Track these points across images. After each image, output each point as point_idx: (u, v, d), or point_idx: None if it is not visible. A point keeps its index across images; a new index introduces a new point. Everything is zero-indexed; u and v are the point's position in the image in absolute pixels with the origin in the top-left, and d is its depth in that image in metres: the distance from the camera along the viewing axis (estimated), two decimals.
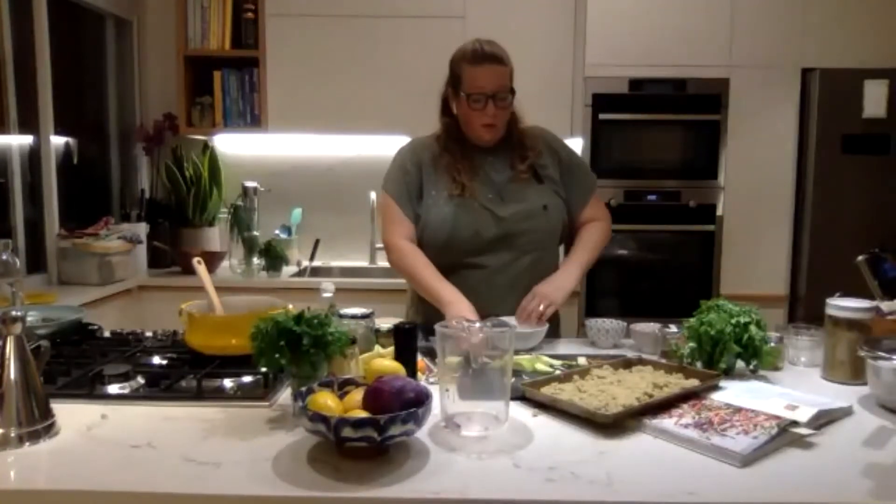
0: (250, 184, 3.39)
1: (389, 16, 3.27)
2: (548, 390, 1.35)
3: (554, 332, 1.91)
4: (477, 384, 1.20)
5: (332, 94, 3.31)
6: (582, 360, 1.59)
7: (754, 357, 1.49)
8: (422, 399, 1.11)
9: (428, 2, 3.25)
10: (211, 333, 1.51)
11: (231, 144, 3.60)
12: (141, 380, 1.43)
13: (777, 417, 1.20)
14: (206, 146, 3.52)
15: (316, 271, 3.42)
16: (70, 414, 1.23)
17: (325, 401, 1.11)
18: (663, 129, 3.14)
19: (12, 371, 1.15)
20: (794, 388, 1.40)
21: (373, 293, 2.97)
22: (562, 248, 2.03)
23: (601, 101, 3.10)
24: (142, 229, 3.23)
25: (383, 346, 1.56)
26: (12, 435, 1.12)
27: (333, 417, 1.04)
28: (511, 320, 1.70)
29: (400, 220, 1.89)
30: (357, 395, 1.14)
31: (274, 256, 3.23)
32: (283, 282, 3.17)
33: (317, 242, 3.47)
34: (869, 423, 1.26)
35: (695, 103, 3.09)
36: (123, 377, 1.40)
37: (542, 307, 1.72)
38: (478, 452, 1.12)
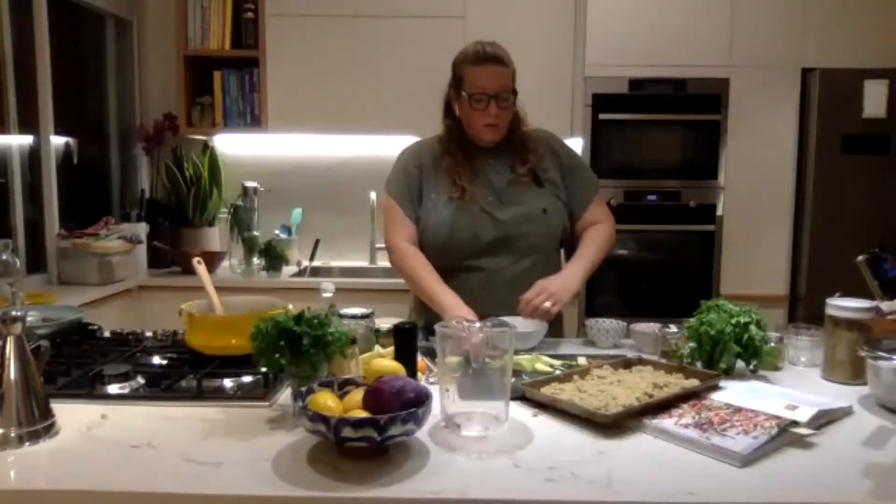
0: (250, 184, 3.39)
1: (389, 16, 3.27)
2: (548, 390, 1.35)
3: (557, 332, 1.91)
4: (477, 384, 1.20)
5: (332, 94, 3.31)
6: (582, 360, 1.59)
7: (754, 357, 1.49)
8: (422, 399, 1.11)
9: (428, 2, 3.25)
10: (211, 333, 1.51)
11: (231, 144, 3.60)
12: (141, 380, 1.42)
13: (777, 417, 1.20)
14: (206, 146, 3.52)
15: (316, 271, 3.42)
16: (70, 414, 1.23)
17: (325, 401, 1.11)
18: (663, 129, 3.14)
19: (12, 371, 1.15)
20: (794, 388, 1.40)
21: (373, 293, 2.97)
22: (562, 252, 2.03)
23: (601, 101, 3.10)
24: (142, 229, 3.23)
25: (383, 346, 1.56)
26: (12, 435, 1.12)
27: (333, 417, 1.04)
28: (511, 320, 1.70)
29: (402, 222, 1.89)
30: (357, 395, 1.14)
31: (274, 256, 3.23)
32: (283, 282, 3.17)
33: (317, 242, 3.47)
34: (869, 423, 1.26)
35: (695, 103, 3.09)
36: (123, 377, 1.40)
37: (548, 304, 1.71)
38: (478, 452, 1.11)
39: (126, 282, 3.00)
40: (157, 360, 1.59)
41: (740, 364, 1.51)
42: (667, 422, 1.20)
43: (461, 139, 1.90)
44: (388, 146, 3.14)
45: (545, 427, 1.23)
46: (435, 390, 1.20)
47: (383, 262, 3.47)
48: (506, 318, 1.58)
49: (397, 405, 1.08)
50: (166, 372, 1.48)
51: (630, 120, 3.11)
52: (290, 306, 1.40)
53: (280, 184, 3.54)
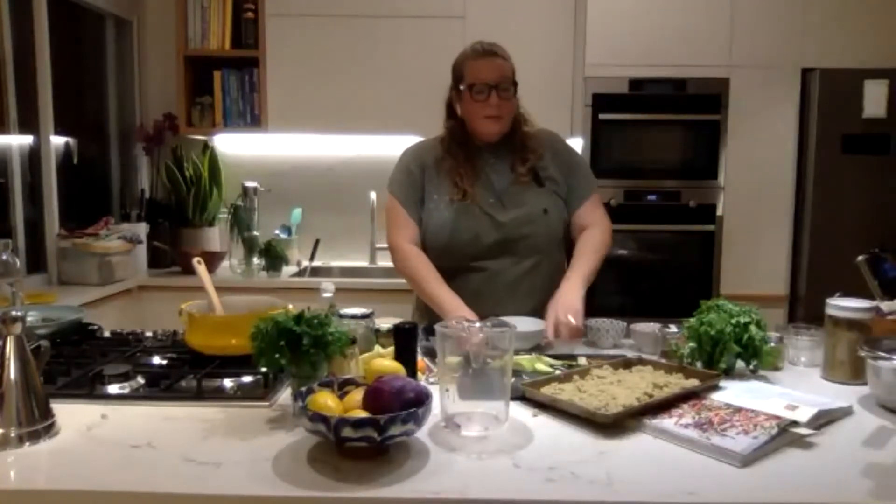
0: (250, 184, 3.39)
1: (389, 16, 3.27)
2: (548, 390, 1.35)
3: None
4: (477, 384, 1.20)
5: (332, 94, 3.31)
6: (582, 360, 1.59)
7: (754, 357, 1.49)
8: (422, 399, 1.11)
9: (428, 2, 3.25)
10: (211, 333, 1.51)
11: (231, 144, 3.60)
12: (141, 380, 1.42)
13: (777, 417, 1.20)
14: (206, 146, 3.52)
15: (316, 271, 3.42)
16: (70, 414, 1.23)
17: (325, 401, 1.11)
18: (663, 129, 3.14)
19: (12, 371, 1.15)
20: (794, 388, 1.40)
21: (373, 293, 2.97)
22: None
23: (601, 101, 3.10)
24: (142, 229, 3.23)
25: (383, 346, 1.56)
26: (12, 435, 1.12)
27: (333, 417, 1.04)
28: (511, 320, 1.70)
29: (404, 223, 1.89)
30: (357, 395, 1.14)
31: (274, 256, 3.23)
32: (283, 282, 3.17)
33: (317, 242, 3.47)
34: (869, 423, 1.26)
35: (695, 103, 3.09)
36: (123, 377, 1.40)
37: (574, 321, 1.67)
38: (478, 452, 1.11)
39: (126, 282, 3.00)
40: (157, 360, 1.59)
41: (740, 364, 1.51)
42: (667, 422, 1.20)
43: (463, 140, 1.91)
44: (388, 146, 3.15)
45: (545, 427, 1.23)
46: (435, 390, 1.20)
47: (383, 262, 3.48)
48: (506, 318, 1.57)
49: (397, 405, 1.08)
50: (166, 372, 1.48)
51: (630, 120, 3.11)
52: (290, 306, 1.40)
53: (280, 184, 3.54)
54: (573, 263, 1.86)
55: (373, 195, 3.47)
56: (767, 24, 3.10)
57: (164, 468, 1.05)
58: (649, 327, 1.73)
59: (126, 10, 3.50)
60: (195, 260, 1.65)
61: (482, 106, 1.82)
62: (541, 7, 3.26)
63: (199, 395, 1.35)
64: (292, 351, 1.26)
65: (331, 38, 3.29)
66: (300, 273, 3.36)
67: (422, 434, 1.16)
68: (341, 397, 1.15)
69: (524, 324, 1.70)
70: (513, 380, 1.30)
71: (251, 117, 3.38)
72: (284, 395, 1.38)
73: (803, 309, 3.11)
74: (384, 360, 1.34)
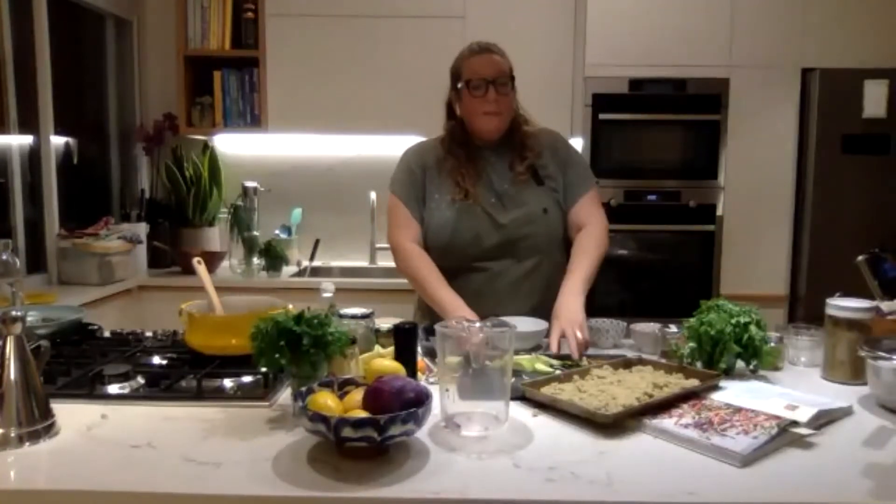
0: (250, 184, 3.39)
1: (389, 16, 3.27)
2: (548, 390, 1.35)
3: None
4: (477, 384, 1.20)
5: (332, 94, 3.31)
6: (582, 361, 1.59)
7: (754, 357, 1.49)
8: (422, 399, 1.11)
9: (428, 2, 3.25)
10: (211, 333, 1.51)
11: (231, 144, 3.60)
12: (141, 380, 1.42)
13: (777, 417, 1.20)
14: (206, 146, 3.52)
15: (316, 271, 3.42)
16: (70, 414, 1.23)
17: (325, 401, 1.11)
18: (663, 129, 3.14)
19: (12, 371, 1.15)
20: (794, 388, 1.40)
21: (373, 293, 2.97)
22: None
23: (601, 101, 3.10)
24: (142, 229, 3.23)
25: (383, 346, 1.56)
26: (12, 435, 1.12)
27: (333, 417, 1.04)
28: (511, 320, 1.70)
29: (406, 223, 1.89)
30: (357, 395, 1.14)
31: (274, 256, 3.23)
32: (283, 282, 3.17)
33: (317, 242, 3.47)
34: (869, 423, 1.26)
35: (695, 103, 3.09)
36: (123, 377, 1.40)
37: (580, 334, 1.62)
38: (478, 452, 1.11)
39: (126, 282, 3.00)
40: (157, 360, 1.59)
41: (740, 364, 1.51)
42: (667, 422, 1.20)
43: (463, 140, 1.91)
44: (388, 146, 3.15)
45: (545, 427, 1.23)
46: (435, 390, 1.20)
47: (383, 262, 3.48)
48: (506, 319, 1.57)
49: (397, 405, 1.08)
50: (166, 372, 1.48)
51: (630, 120, 3.11)
52: (290, 306, 1.40)
53: (280, 184, 3.54)
54: (570, 268, 1.81)
55: (373, 195, 3.47)
56: (767, 24, 3.10)
57: (164, 468, 1.05)
58: (649, 327, 1.73)
59: (126, 10, 3.50)
60: (195, 260, 1.65)
61: (480, 102, 1.82)
62: (541, 7, 3.26)
63: (199, 395, 1.35)
64: (292, 351, 1.26)
65: (331, 38, 3.29)
66: (300, 273, 3.36)
67: (422, 434, 1.16)
68: (341, 397, 1.15)
69: (524, 324, 1.70)
70: (513, 380, 1.30)
71: (251, 117, 3.38)
72: (284, 395, 1.38)
73: (803, 309, 3.11)
74: (384, 360, 1.34)
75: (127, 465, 1.06)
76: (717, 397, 1.34)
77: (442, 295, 1.75)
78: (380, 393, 1.10)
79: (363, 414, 1.08)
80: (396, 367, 1.31)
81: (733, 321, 1.47)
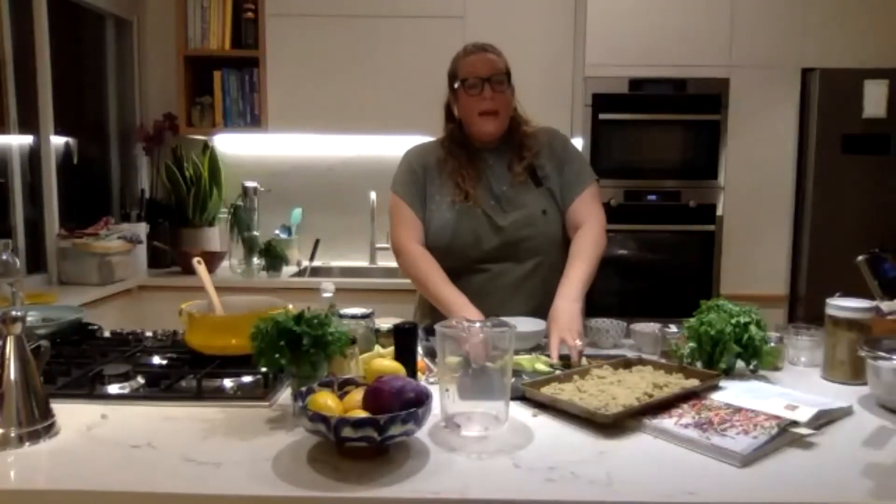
0: (250, 184, 3.39)
1: (389, 16, 3.27)
2: (548, 390, 1.35)
3: None
4: (477, 384, 1.20)
5: (332, 94, 3.31)
6: (582, 360, 1.59)
7: (754, 357, 1.49)
8: (422, 399, 1.11)
9: (428, 2, 3.25)
10: (211, 333, 1.51)
11: (231, 144, 3.60)
12: (141, 380, 1.42)
13: (777, 417, 1.20)
14: (206, 146, 3.52)
15: (316, 271, 3.43)
16: (70, 414, 1.23)
17: (325, 401, 1.11)
18: (663, 129, 3.14)
19: (12, 371, 1.15)
20: (794, 388, 1.40)
21: (373, 293, 2.97)
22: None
23: (601, 101, 3.10)
24: (142, 229, 3.24)
25: (383, 346, 1.56)
26: (12, 435, 1.12)
27: (333, 417, 1.04)
28: (511, 320, 1.70)
29: (409, 223, 1.88)
30: (357, 395, 1.14)
31: (274, 256, 3.23)
32: (283, 282, 3.17)
33: (317, 242, 3.47)
34: (869, 423, 1.26)
35: (695, 103, 3.09)
36: (123, 377, 1.40)
37: (579, 342, 1.58)
38: (478, 452, 1.11)
39: (126, 282, 3.00)
40: (157, 360, 1.59)
41: (740, 364, 1.51)
42: (667, 422, 1.20)
43: (463, 142, 1.91)
44: (388, 146, 3.15)
45: (545, 427, 1.23)
46: (435, 390, 1.20)
47: (383, 262, 3.48)
48: (506, 319, 1.57)
49: (397, 405, 1.08)
50: (166, 372, 1.48)
51: (630, 120, 3.11)
52: (290, 306, 1.40)
53: (280, 184, 3.54)
54: (567, 272, 1.77)
55: (373, 195, 3.47)
56: (767, 24, 3.10)
57: (164, 468, 1.05)
58: (649, 327, 1.73)
59: (126, 10, 3.50)
60: (195, 260, 1.65)
61: (477, 100, 1.82)
62: (541, 7, 3.26)
63: (199, 395, 1.34)
64: (292, 351, 1.26)
65: (331, 38, 3.29)
66: (300, 273, 3.36)
67: (422, 434, 1.16)
68: (341, 397, 1.15)
69: (524, 324, 1.70)
70: (513, 380, 1.30)
71: (251, 117, 3.38)
72: (284, 395, 1.38)
73: (803, 309, 3.11)
74: (384, 360, 1.34)
75: (127, 465, 1.06)
76: (717, 397, 1.34)
77: (447, 294, 1.74)
78: (380, 393, 1.10)
79: (363, 414, 1.08)
80: (396, 367, 1.31)
81: (733, 321, 1.47)
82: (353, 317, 1.57)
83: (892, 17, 3.08)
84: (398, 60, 3.28)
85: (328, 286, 1.62)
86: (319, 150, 3.59)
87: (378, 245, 3.50)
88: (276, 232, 3.47)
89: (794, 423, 1.17)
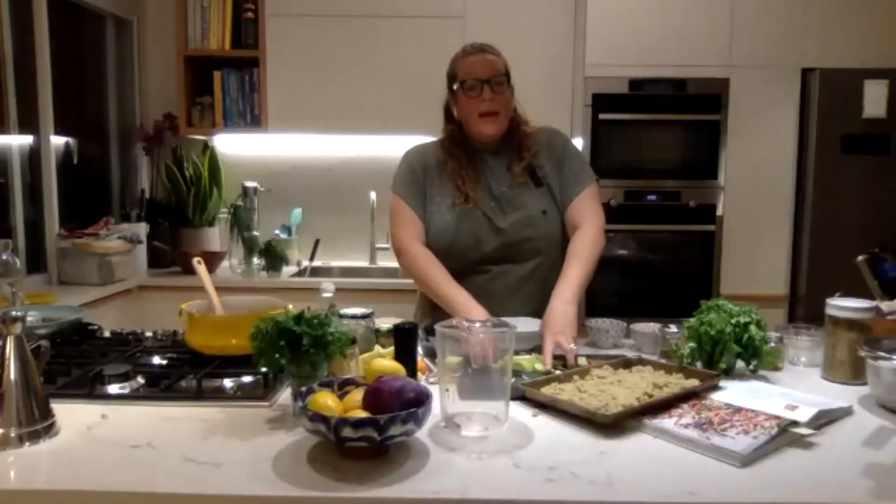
0: (250, 184, 3.39)
1: (389, 16, 3.27)
2: (548, 390, 1.35)
3: None
4: (477, 384, 1.20)
5: (332, 94, 3.31)
6: (582, 360, 1.59)
7: (754, 357, 1.49)
8: (422, 399, 1.11)
9: (428, 2, 3.25)
10: (211, 333, 1.51)
11: (231, 144, 3.60)
12: (141, 380, 1.42)
13: (777, 417, 1.20)
14: (206, 146, 3.52)
15: (316, 271, 3.42)
16: (70, 414, 1.23)
17: (325, 401, 1.11)
18: (663, 129, 3.14)
19: (12, 371, 1.15)
20: (794, 388, 1.40)
21: (373, 293, 2.97)
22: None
23: (601, 101, 3.10)
24: (142, 229, 3.23)
25: (383, 346, 1.56)
26: (12, 435, 1.12)
27: (333, 417, 1.04)
28: (511, 321, 1.69)
29: (410, 222, 1.88)
30: (357, 395, 1.14)
31: (274, 256, 3.23)
32: (283, 282, 3.17)
33: (317, 242, 3.47)
34: (869, 423, 1.26)
35: (695, 103, 3.09)
36: (123, 377, 1.40)
37: (572, 345, 1.57)
38: (478, 452, 1.11)
39: (126, 282, 3.00)
40: (157, 360, 1.59)
41: (740, 364, 1.51)
42: (667, 422, 1.20)
43: (462, 143, 1.90)
44: (388, 146, 3.15)
45: (545, 427, 1.23)
46: (435, 390, 1.20)
47: (383, 262, 3.48)
48: (506, 319, 1.57)
49: (397, 405, 1.08)
50: (166, 372, 1.48)
51: (630, 120, 3.11)
52: (290, 306, 1.40)
53: (280, 184, 3.54)
54: (563, 273, 1.76)
55: (373, 195, 3.47)
56: (767, 24, 3.10)
57: (164, 468, 1.05)
58: (649, 327, 1.73)
59: (126, 10, 3.50)
60: (195, 260, 1.65)
61: (476, 102, 1.81)
62: (541, 7, 3.26)
63: (199, 395, 1.35)
64: (292, 351, 1.26)
65: (331, 38, 3.29)
66: (300, 273, 3.36)
67: (422, 434, 1.16)
68: (341, 397, 1.15)
69: (524, 324, 1.69)
70: (513, 380, 1.30)
71: (251, 117, 3.38)
72: (284, 395, 1.38)
73: (803, 309, 3.11)
74: (384, 360, 1.34)
75: (127, 465, 1.06)
76: (717, 397, 1.34)
77: (451, 294, 1.74)
78: (380, 393, 1.10)
79: (363, 414, 1.08)
80: (396, 367, 1.31)
81: (733, 321, 1.47)
82: (353, 317, 1.57)
83: (892, 17, 3.08)
84: (398, 60, 3.28)
85: (328, 286, 1.62)
86: (319, 150, 3.59)
87: (378, 245, 3.50)
88: (276, 232, 3.47)
89: (794, 423, 1.17)
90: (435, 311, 1.85)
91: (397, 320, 1.56)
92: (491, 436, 1.17)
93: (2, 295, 1.56)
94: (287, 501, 0.98)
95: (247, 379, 1.44)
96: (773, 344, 1.55)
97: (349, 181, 3.58)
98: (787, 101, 3.14)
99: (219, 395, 1.38)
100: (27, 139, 2.90)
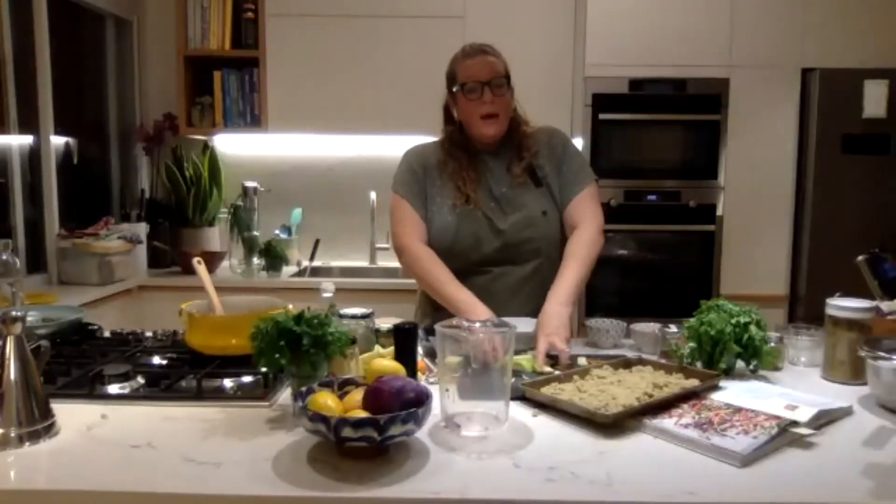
0: (250, 184, 3.39)
1: (389, 16, 3.27)
2: (548, 390, 1.35)
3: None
4: (477, 384, 1.20)
5: (332, 94, 3.31)
6: (582, 360, 1.59)
7: (754, 357, 1.49)
8: (422, 399, 1.11)
9: (428, 2, 3.25)
10: (211, 333, 1.51)
11: (231, 144, 3.60)
12: (141, 380, 1.42)
13: (777, 417, 1.20)
14: (206, 146, 3.52)
15: (316, 271, 3.42)
16: (70, 414, 1.23)
17: (325, 401, 1.11)
18: (663, 129, 3.14)
19: (12, 371, 1.15)
20: (794, 388, 1.40)
21: (373, 293, 2.97)
22: None
23: (601, 101, 3.10)
24: (142, 229, 3.24)
25: (383, 346, 1.56)
26: (12, 435, 1.12)
27: (333, 417, 1.04)
28: (512, 321, 1.69)
29: (412, 221, 1.87)
30: (357, 395, 1.14)
31: (274, 256, 3.23)
32: (283, 282, 3.17)
33: (317, 242, 3.47)
34: (869, 423, 1.26)
35: (695, 103, 3.09)
36: (123, 377, 1.40)
37: (565, 347, 1.57)
38: (478, 452, 1.11)
39: (126, 282, 3.00)
40: (157, 360, 1.59)
41: (740, 364, 1.51)
42: (667, 422, 1.20)
43: (463, 144, 1.90)
44: (388, 146, 3.15)
45: (545, 427, 1.23)
46: (435, 390, 1.20)
47: (383, 262, 3.48)
48: (506, 319, 1.57)
49: (397, 405, 1.08)
50: (166, 372, 1.48)
51: (630, 120, 3.11)
52: (290, 306, 1.40)
53: (280, 184, 3.54)
54: (559, 275, 1.75)
55: (373, 195, 3.47)
56: (767, 24, 3.10)
57: (164, 468, 1.05)
58: (649, 327, 1.73)
59: (126, 10, 3.50)
60: (195, 260, 1.65)
61: (477, 104, 1.81)
62: (541, 7, 3.26)
63: (199, 395, 1.35)
64: (292, 351, 1.26)
65: (331, 38, 3.29)
66: (300, 273, 3.36)
67: (422, 434, 1.16)
68: (341, 397, 1.15)
69: (524, 324, 1.69)
70: (513, 380, 1.30)
71: (251, 117, 3.38)
72: (284, 395, 1.38)
73: (803, 309, 3.11)
74: (384, 360, 1.34)
75: (127, 465, 1.06)
76: (717, 397, 1.34)
77: (454, 293, 1.73)
78: (380, 393, 1.10)
79: (363, 414, 1.08)
80: (396, 367, 1.31)
81: (733, 321, 1.47)
82: (353, 317, 1.58)
83: (892, 17, 3.08)
84: (398, 60, 3.28)
85: (328, 286, 1.62)
86: (319, 150, 3.59)
87: (378, 245, 3.50)
88: (276, 232, 3.47)
89: (794, 423, 1.17)
90: (435, 311, 1.85)
91: (397, 320, 1.56)
92: (491, 436, 1.17)
93: (2, 295, 1.57)
94: (287, 501, 0.98)
95: (247, 379, 1.44)
96: (773, 344, 1.55)
97: (349, 181, 3.58)
98: (787, 101, 3.14)
99: (219, 395, 1.38)
100: (27, 139, 2.90)
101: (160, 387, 1.39)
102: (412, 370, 1.38)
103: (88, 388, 1.36)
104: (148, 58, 3.61)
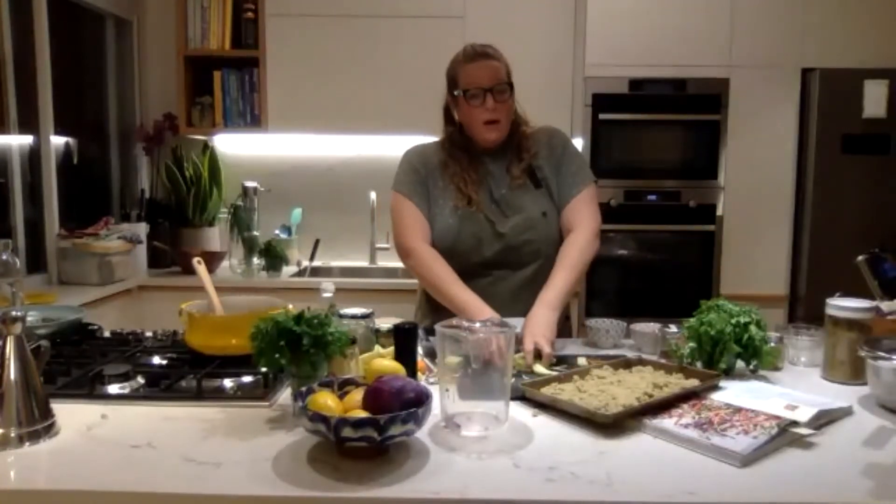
0: (250, 184, 3.39)
1: (389, 16, 3.27)
2: (548, 390, 1.35)
3: (565, 332, 1.89)
4: (477, 384, 1.20)
5: (332, 94, 3.31)
6: (582, 360, 1.59)
7: (754, 357, 1.49)
8: (422, 399, 1.11)
9: (428, 2, 3.25)
10: (211, 333, 1.51)
11: (231, 144, 3.60)
12: (141, 380, 1.42)
13: (777, 417, 1.20)
14: (206, 146, 3.52)
15: (316, 271, 3.43)
16: (70, 414, 1.23)
17: (325, 401, 1.11)
18: (663, 129, 3.14)
19: (12, 371, 1.15)
20: (794, 388, 1.40)
21: (373, 293, 2.97)
22: None
23: (601, 101, 3.10)
24: (142, 229, 3.24)
25: (383, 346, 1.56)
26: (12, 435, 1.12)
27: (333, 417, 1.04)
28: (512, 321, 1.69)
29: (414, 221, 1.86)
30: (357, 395, 1.14)
31: (274, 256, 3.23)
32: (283, 282, 3.17)
33: (317, 242, 3.47)
34: (869, 423, 1.26)
35: (695, 103, 3.09)
36: (123, 377, 1.40)
37: (548, 349, 1.56)
38: (478, 452, 1.11)
39: (126, 282, 3.00)
40: (157, 360, 1.59)
41: (740, 364, 1.51)
42: (667, 422, 1.20)
43: (463, 145, 1.89)
44: (388, 146, 3.16)
45: (545, 427, 1.23)
46: (435, 390, 1.20)
47: (383, 262, 3.48)
48: (506, 319, 1.57)
49: (397, 405, 1.08)
50: (166, 372, 1.48)
51: (630, 120, 3.11)
52: (290, 306, 1.40)
53: (280, 184, 3.54)
54: (550, 279, 1.75)
55: (373, 195, 3.47)
56: (767, 24, 3.10)
57: (164, 468, 1.05)
58: (649, 327, 1.73)
59: (126, 10, 3.50)
60: (195, 260, 1.65)
61: (479, 111, 1.80)
62: (541, 7, 3.26)
63: (199, 395, 1.34)
64: (292, 351, 1.26)
65: (331, 38, 3.29)
66: (300, 273, 3.36)
67: (422, 434, 1.16)
68: (341, 397, 1.15)
69: (521, 324, 1.69)
70: (513, 380, 1.30)
71: (251, 117, 3.38)
72: (284, 395, 1.38)
73: (803, 309, 3.11)
74: (384, 360, 1.34)
75: (127, 465, 1.06)
76: (717, 397, 1.34)
77: (460, 295, 1.73)
78: (380, 393, 1.10)
79: (363, 414, 1.08)
80: (396, 367, 1.31)
81: (733, 321, 1.47)
82: (353, 317, 1.57)
83: (892, 17, 3.08)
84: (398, 60, 3.29)
85: (328, 286, 1.62)
86: (319, 150, 3.59)
87: (378, 245, 3.50)
88: (276, 232, 3.47)
89: (794, 423, 1.17)
90: (435, 311, 1.85)
91: (397, 320, 1.56)
92: (491, 436, 1.17)
93: (2, 295, 1.57)
94: (287, 501, 0.98)
95: (247, 379, 1.44)
96: (773, 344, 1.55)
97: (349, 181, 3.58)
98: (787, 101, 3.14)
99: (219, 395, 1.38)
100: (27, 139, 2.90)
101: (160, 387, 1.39)
102: (412, 370, 1.38)
103: (88, 388, 1.36)
104: (148, 58, 3.61)
